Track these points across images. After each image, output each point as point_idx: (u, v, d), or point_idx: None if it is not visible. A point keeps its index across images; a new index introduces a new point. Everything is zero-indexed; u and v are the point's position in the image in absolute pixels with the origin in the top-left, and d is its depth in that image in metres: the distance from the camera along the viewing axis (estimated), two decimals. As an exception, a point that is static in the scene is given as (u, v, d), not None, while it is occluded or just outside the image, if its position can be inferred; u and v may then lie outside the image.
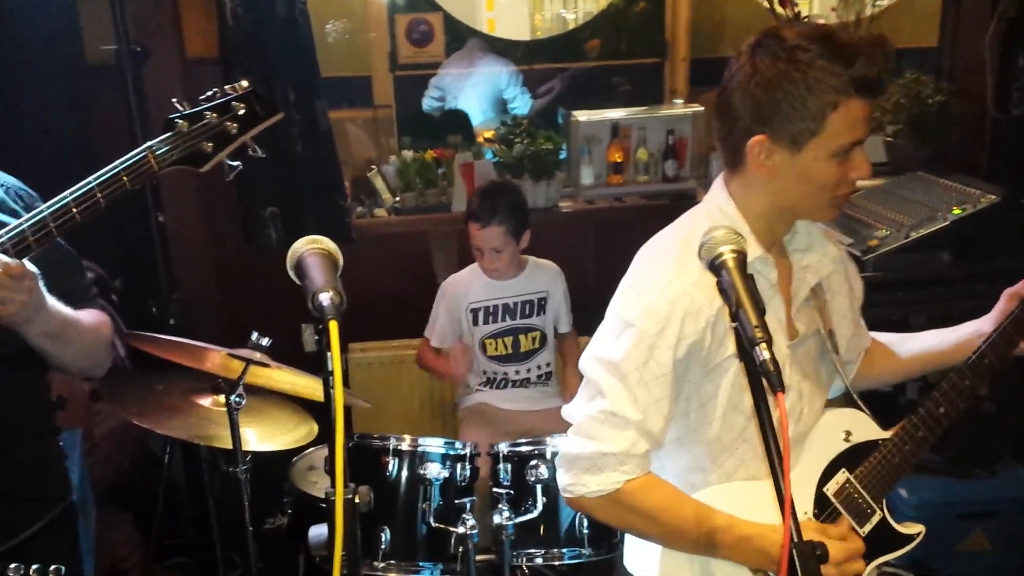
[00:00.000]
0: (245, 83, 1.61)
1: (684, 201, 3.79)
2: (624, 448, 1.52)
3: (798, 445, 1.65)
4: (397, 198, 3.72)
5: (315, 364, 2.40)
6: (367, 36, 4.76)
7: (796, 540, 1.14)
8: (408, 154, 3.77)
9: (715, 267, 1.29)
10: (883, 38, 1.48)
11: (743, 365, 1.22)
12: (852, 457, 1.66)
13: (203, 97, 1.59)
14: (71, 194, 1.50)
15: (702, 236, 1.32)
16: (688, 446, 1.65)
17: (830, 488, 1.65)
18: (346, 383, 2.59)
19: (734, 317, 1.23)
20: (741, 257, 1.28)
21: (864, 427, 1.69)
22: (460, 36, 5.07)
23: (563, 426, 2.79)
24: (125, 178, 1.51)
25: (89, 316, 1.71)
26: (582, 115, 3.81)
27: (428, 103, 5.03)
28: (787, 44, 1.45)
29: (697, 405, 1.60)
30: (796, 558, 1.14)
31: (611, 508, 1.57)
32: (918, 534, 1.70)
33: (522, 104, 4.98)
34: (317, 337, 1.09)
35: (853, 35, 1.46)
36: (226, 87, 1.60)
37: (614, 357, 1.54)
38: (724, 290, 1.26)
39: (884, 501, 1.68)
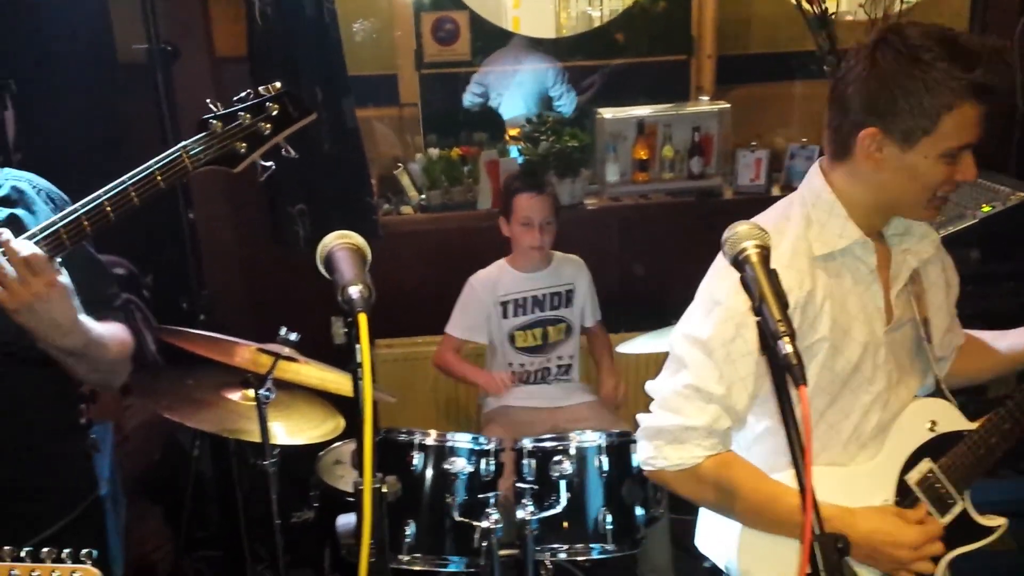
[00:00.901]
0: (278, 84, 1.60)
1: (710, 198, 3.79)
2: (707, 423, 1.56)
3: (883, 433, 1.67)
4: (423, 196, 3.75)
5: (343, 358, 2.44)
6: (393, 35, 4.78)
7: (818, 532, 1.15)
8: (434, 152, 3.79)
9: (738, 262, 1.29)
10: (1004, 48, 1.49)
11: (766, 359, 1.23)
12: (937, 447, 1.66)
13: (237, 98, 1.59)
14: (105, 193, 1.51)
15: (726, 231, 1.33)
16: (775, 429, 1.67)
17: (912, 476, 1.66)
18: (373, 377, 2.61)
19: (757, 311, 1.23)
20: (764, 252, 1.28)
21: (950, 417, 1.69)
22: (485, 35, 5.07)
23: (587, 422, 2.85)
24: (159, 177, 1.51)
25: (112, 335, 1.68)
26: (607, 112, 3.81)
27: (469, 99, 5.04)
28: (911, 42, 1.46)
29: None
30: (818, 550, 1.14)
31: (690, 482, 1.61)
32: (999, 527, 1.70)
33: (568, 102, 4.99)
34: (346, 330, 1.10)
35: (976, 41, 1.47)
36: (259, 88, 1.59)
37: (702, 334, 1.58)
38: (747, 285, 1.26)
39: (967, 492, 1.68)
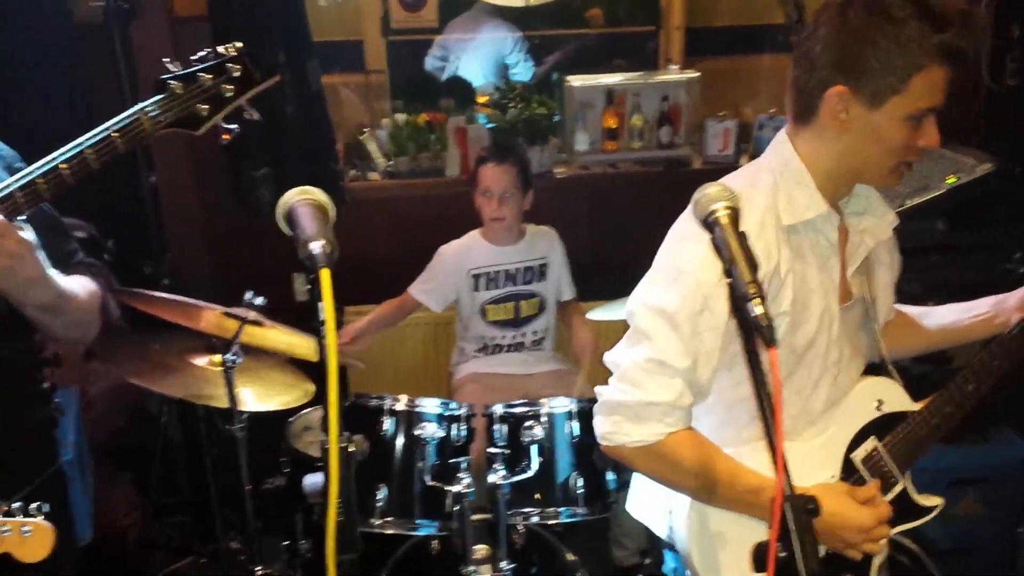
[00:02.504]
0: (239, 44, 1.57)
1: (679, 168, 3.79)
2: (670, 399, 1.52)
3: (831, 409, 1.67)
4: (391, 162, 3.71)
5: (308, 319, 2.43)
6: (359, 0, 4.70)
7: (789, 493, 1.16)
8: (401, 117, 3.75)
9: (708, 224, 1.29)
10: (973, 12, 1.50)
11: (736, 320, 1.23)
12: (882, 426, 1.67)
13: (195, 58, 1.55)
14: (61, 155, 1.47)
15: (696, 193, 1.32)
16: (729, 402, 1.64)
17: (858, 454, 1.66)
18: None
19: (728, 273, 1.23)
20: (734, 214, 1.28)
21: (896, 397, 1.69)
22: (454, 2, 5.01)
23: (557, 389, 2.86)
24: (118, 139, 1.48)
25: (80, 286, 1.68)
26: (576, 80, 3.78)
27: (431, 62, 4.98)
28: (882, 0, 1.45)
29: (740, 361, 1.57)
30: (788, 511, 1.15)
31: (650, 459, 1.57)
32: (936, 507, 1.72)
33: (524, 70, 4.94)
34: (308, 287, 1.09)
35: (948, 4, 1.45)
36: (219, 48, 1.56)
37: (667, 305, 1.51)
38: (718, 246, 1.25)
39: (908, 472, 1.69)
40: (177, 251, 3.18)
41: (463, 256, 3.11)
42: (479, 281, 3.11)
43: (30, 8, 2.79)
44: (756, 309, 1.17)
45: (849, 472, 1.66)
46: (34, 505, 1.19)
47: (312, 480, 2.46)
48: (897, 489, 1.68)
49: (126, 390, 2.82)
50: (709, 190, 1.30)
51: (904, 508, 1.69)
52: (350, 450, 1.08)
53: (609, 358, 1.62)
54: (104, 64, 2.83)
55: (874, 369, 1.76)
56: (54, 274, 1.56)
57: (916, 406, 1.69)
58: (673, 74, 3.95)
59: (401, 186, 3.66)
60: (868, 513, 1.55)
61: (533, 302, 3.14)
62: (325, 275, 1.04)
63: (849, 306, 1.66)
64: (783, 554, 1.21)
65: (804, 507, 1.18)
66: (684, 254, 1.53)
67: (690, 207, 1.50)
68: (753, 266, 1.21)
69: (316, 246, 1.08)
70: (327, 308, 1.02)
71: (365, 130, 3.78)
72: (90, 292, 1.70)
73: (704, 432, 1.62)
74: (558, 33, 5.17)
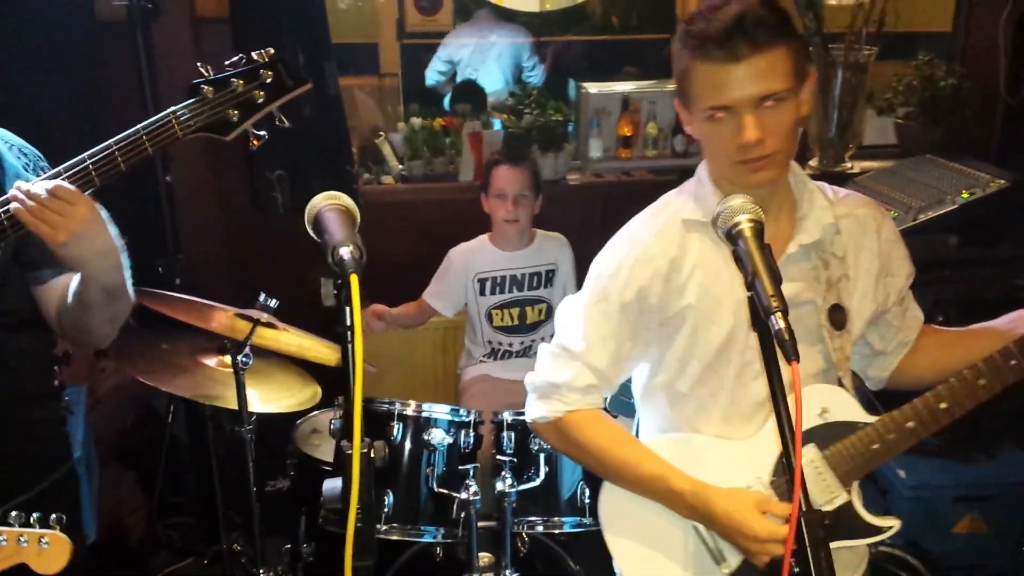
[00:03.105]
0: (272, 50, 1.56)
1: (692, 176, 3.78)
2: (567, 380, 1.65)
3: (762, 408, 1.63)
4: (404, 166, 3.71)
5: (322, 325, 2.42)
6: (375, 3, 4.72)
7: (805, 509, 1.15)
8: (416, 122, 3.75)
9: (732, 236, 1.29)
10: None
11: (757, 333, 1.23)
12: (824, 434, 1.60)
13: (229, 63, 1.55)
14: (90, 156, 1.47)
15: (718, 205, 1.32)
16: (653, 392, 1.73)
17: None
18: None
19: (750, 286, 1.23)
20: (758, 226, 1.28)
21: (844, 407, 1.62)
22: (468, 6, 5.03)
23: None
24: (147, 142, 1.48)
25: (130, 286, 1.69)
26: (592, 87, 3.78)
27: (433, 76, 4.97)
28: (689, 13, 1.52)
29: (656, 353, 1.67)
30: (804, 526, 1.15)
31: (554, 435, 1.71)
32: (888, 528, 1.61)
33: (538, 74, 4.95)
34: (336, 292, 1.09)
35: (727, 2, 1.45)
36: (252, 54, 1.55)
37: (577, 297, 1.70)
38: (740, 258, 1.26)
39: (855, 485, 1.62)
40: (191, 251, 3.18)
41: (470, 259, 3.12)
42: (484, 285, 3.11)
43: (54, 5, 2.79)
44: (779, 323, 1.17)
45: (781, 474, 1.61)
46: (53, 517, 1.19)
47: (331, 485, 2.45)
48: (838, 502, 1.60)
49: (134, 389, 2.82)
50: (732, 202, 1.30)
51: (847, 523, 1.60)
52: (371, 455, 1.08)
53: (539, 347, 1.77)
54: (125, 63, 2.85)
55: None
56: (125, 259, 1.58)
57: (868, 418, 1.61)
58: (689, 83, 3.94)
59: (415, 190, 3.66)
60: (765, 525, 1.48)
61: (540, 308, 3.13)
62: (354, 281, 1.04)
63: None
64: (797, 570, 1.19)
65: (819, 523, 1.18)
66: (601, 253, 1.69)
67: (638, 219, 1.63)
68: (776, 280, 1.21)
69: (345, 251, 1.08)
70: (356, 314, 1.02)
71: (380, 134, 3.78)
72: (133, 294, 1.71)
73: (645, 423, 1.77)
74: (570, 39, 5.19)
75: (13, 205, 1.43)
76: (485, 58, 4.89)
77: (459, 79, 4.88)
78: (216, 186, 3.45)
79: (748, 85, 1.43)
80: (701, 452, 1.63)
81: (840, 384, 1.66)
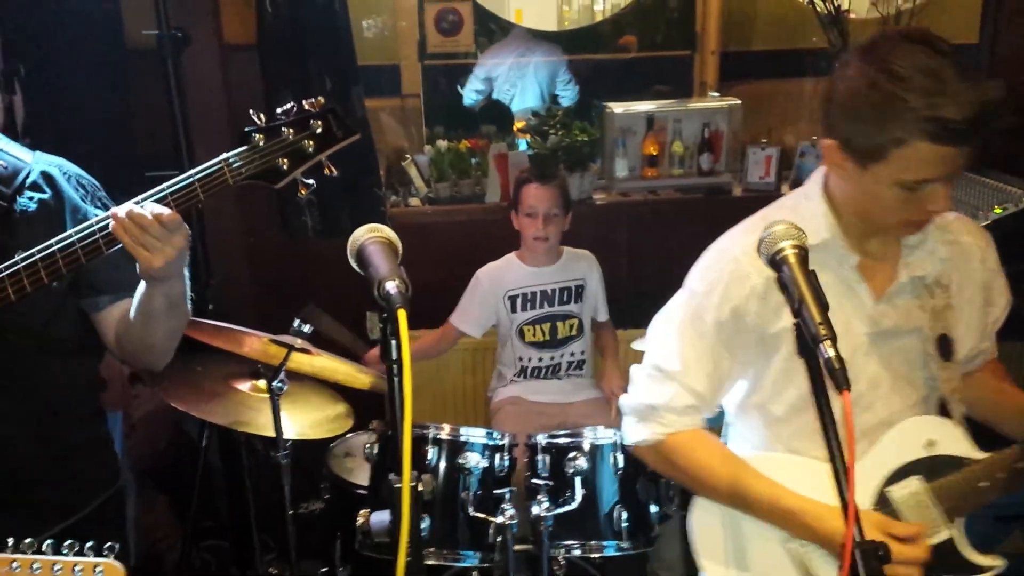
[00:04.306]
0: (322, 99, 1.57)
1: (719, 195, 3.78)
2: (665, 401, 1.64)
3: (865, 436, 1.62)
4: (430, 188, 3.73)
5: (351, 349, 2.42)
6: (397, 24, 4.75)
7: (860, 539, 1.14)
8: (443, 144, 3.77)
9: (776, 263, 1.28)
10: (991, 88, 1.35)
11: (805, 361, 1.22)
12: (930, 467, 1.59)
13: (280, 111, 1.55)
14: (146, 198, 1.48)
15: (762, 231, 1.31)
16: (748, 411, 1.71)
17: (895, 491, 1.60)
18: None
19: (796, 313, 1.22)
20: (803, 253, 1.27)
21: (953, 441, 1.61)
22: (488, 26, 5.05)
23: (597, 418, 2.84)
24: (199, 189, 1.49)
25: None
26: (617, 107, 3.79)
27: (470, 96, 5.00)
28: (890, 63, 1.37)
29: (754, 373, 1.65)
30: (859, 557, 1.13)
31: (656, 458, 1.70)
32: (992, 567, 1.60)
33: (572, 93, 4.97)
34: (382, 325, 1.09)
35: (967, 85, 1.33)
36: (304, 103, 1.56)
37: (670, 315, 1.67)
38: (785, 286, 1.25)
39: (960, 522, 1.60)
40: (221, 276, 3.20)
41: (499, 277, 3.13)
42: (516, 302, 3.11)
43: (85, 33, 2.84)
44: (828, 351, 1.16)
45: (882, 505, 1.60)
46: (107, 545, 1.19)
47: (379, 518, 2.45)
48: (940, 537, 1.58)
49: (167, 414, 2.84)
50: (776, 228, 1.29)
51: (947, 560, 1.59)
52: (419, 489, 1.07)
53: (632, 369, 1.75)
54: (155, 90, 2.87)
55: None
56: (186, 272, 1.60)
57: (978, 454, 1.60)
58: (714, 101, 3.94)
59: (442, 212, 3.67)
60: (895, 549, 1.45)
61: (570, 323, 3.14)
62: (402, 315, 1.04)
63: (884, 334, 1.60)
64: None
65: (874, 554, 1.16)
66: (692, 270, 1.67)
67: (727, 238, 1.59)
68: (823, 306, 1.20)
69: (392, 286, 1.08)
70: (404, 349, 1.02)
71: (407, 156, 3.80)
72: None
73: (737, 441, 1.73)
74: (593, 58, 5.20)
75: (113, 224, 1.45)
76: (522, 76, 4.92)
77: (495, 97, 4.90)
78: (246, 212, 3.47)
79: (960, 161, 1.40)
80: (800, 473, 1.59)
81: (948, 415, 1.64)
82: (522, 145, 3.84)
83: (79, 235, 1.48)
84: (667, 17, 5.15)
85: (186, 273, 1.60)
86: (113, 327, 1.67)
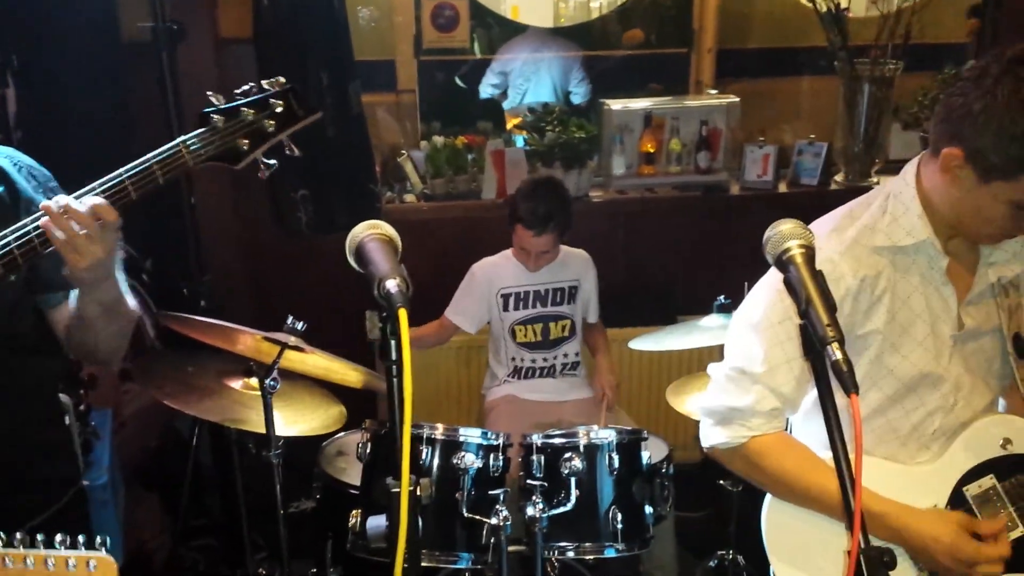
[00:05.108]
0: (283, 79, 1.56)
1: (717, 193, 3.76)
2: (750, 404, 1.60)
3: (946, 437, 1.64)
4: (426, 184, 3.70)
5: (349, 348, 2.40)
6: (392, 20, 4.72)
7: (865, 545, 1.12)
8: (439, 140, 3.74)
9: (782, 263, 1.26)
10: None
11: (811, 363, 1.20)
12: (1006, 466, 1.61)
13: (239, 91, 1.54)
14: (100, 185, 1.46)
15: (769, 230, 1.29)
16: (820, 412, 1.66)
17: (971, 489, 1.61)
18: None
19: (803, 315, 1.20)
20: (809, 252, 1.24)
21: None
22: (483, 22, 5.04)
23: (590, 417, 2.82)
24: (158, 171, 1.47)
25: (130, 298, 1.68)
26: (615, 104, 3.76)
27: (487, 90, 5.00)
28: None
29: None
30: (864, 564, 1.11)
31: (737, 461, 1.66)
32: None
33: (584, 91, 4.96)
34: (382, 325, 1.06)
35: None
36: (263, 82, 1.55)
37: (753, 317, 1.61)
38: (792, 286, 1.22)
39: None
40: (215, 272, 3.17)
41: (493, 274, 3.11)
42: (508, 301, 3.09)
43: (79, 25, 2.80)
44: (835, 354, 1.14)
45: (957, 504, 1.61)
46: (99, 539, 1.16)
47: (376, 523, 2.42)
48: (1015, 535, 1.60)
49: (157, 411, 2.81)
50: (782, 227, 1.27)
51: (1022, 558, 1.59)
52: (418, 494, 1.05)
53: (711, 368, 1.71)
54: (150, 84, 2.85)
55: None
56: (118, 272, 1.56)
57: None
58: (712, 98, 3.93)
59: (437, 208, 3.64)
60: (976, 549, 1.50)
61: (563, 324, 3.12)
62: (403, 315, 1.01)
63: (970, 336, 1.61)
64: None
65: (880, 560, 1.14)
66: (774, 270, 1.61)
67: (824, 231, 1.55)
68: (831, 308, 1.18)
69: (392, 284, 1.06)
70: (405, 349, 0.99)
71: (403, 152, 3.77)
72: (135, 305, 1.70)
73: (813, 443, 1.67)
74: (592, 54, 5.18)
75: (43, 220, 1.41)
76: (536, 71, 4.92)
77: (510, 92, 4.90)
78: (240, 207, 3.44)
79: None
80: (876, 475, 1.59)
81: None
82: (519, 142, 3.81)
83: (14, 233, 1.44)
84: (664, 14, 5.14)
85: (120, 277, 1.57)
86: (63, 323, 1.64)
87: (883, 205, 1.59)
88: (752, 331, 1.61)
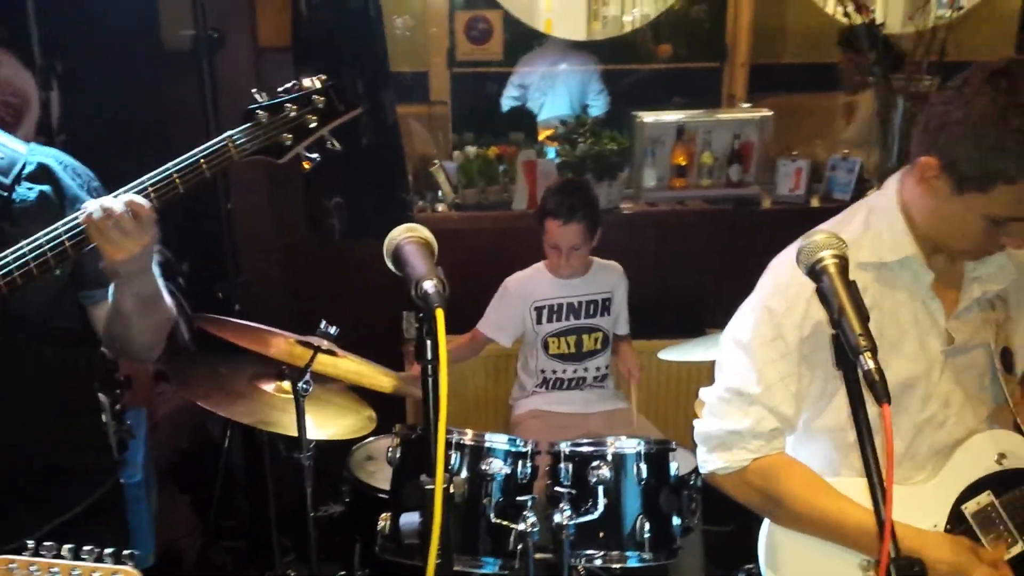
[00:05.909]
0: (324, 76, 1.60)
1: (748, 207, 3.75)
2: (749, 426, 1.58)
3: (941, 455, 1.62)
4: (458, 194, 3.73)
5: (379, 353, 2.42)
6: (427, 31, 4.77)
7: (895, 555, 1.12)
8: (471, 150, 3.77)
9: (815, 273, 1.26)
10: None
11: (842, 373, 1.20)
12: (1002, 481, 1.59)
13: (282, 89, 1.58)
14: (149, 179, 1.50)
15: (801, 240, 1.30)
16: (814, 435, 1.66)
17: (969, 507, 1.59)
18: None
19: (835, 324, 1.20)
20: (843, 263, 1.25)
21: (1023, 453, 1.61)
22: (518, 35, 5.07)
23: (618, 429, 2.82)
24: (204, 166, 1.51)
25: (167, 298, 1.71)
26: (647, 116, 3.78)
27: (508, 102, 5.03)
28: (1015, 96, 1.35)
29: (830, 390, 1.61)
30: (895, 573, 1.11)
31: (739, 485, 1.63)
32: None
33: (602, 103, 4.98)
34: (419, 326, 1.08)
35: None
36: (304, 80, 1.59)
37: (743, 336, 1.60)
38: (825, 296, 1.23)
39: None
40: (250, 276, 3.21)
41: (527, 288, 3.10)
42: (542, 314, 3.09)
43: (122, 32, 2.87)
44: (868, 363, 1.14)
45: (957, 523, 1.59)
46: (126, 552, 1.18)
47: (409, 519, 2.43)
48: (1015, 551, 1.58)
49: (190, 412, 2.84)
50: (816, 237, 1.28)
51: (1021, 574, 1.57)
52: (451, 491, 1.06)
53: (703, 392, 1.69)
54: (190, 91, 2.90)
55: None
56: (154, 266, 1.60)
57: None
58: (745, 112, 3.93)
59: (469, 218, 3.67)
60: (984, 572, 1.48)
61: (596, 336, 3.11)
62: (440, 315, 1.03)
63: (959, 351, 1.60)
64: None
65: (911, 570, 1.14)
66: (764, 286, 1.61)
67: (794, 253, 1.51)
68: (864, 318, 1.18)
69: (430, 285, 1.08)
70: (441, 349, 1.01)
71: (435, 162, 3.81)
72: (172, 301, 1.73)
73: (812, 457, 1.65)
74: (624, 68, 5.20)
75: (83, 215, 1.45)
76: (553, 84, 4.94)
77: (529, 104, 4.93)
78: (275, 213, 3.49)
79: None
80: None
81: (1019, 430, 1.64)
82: (551, 153, 3.83)
83: (65, 226, 1.48)
84: (697, 29, 5.15)
85: (156, 271, 1.60)
86: (103, 320, 1.67)
87: (865, 221, 1.58)
88: (743, 351, 1.58)
